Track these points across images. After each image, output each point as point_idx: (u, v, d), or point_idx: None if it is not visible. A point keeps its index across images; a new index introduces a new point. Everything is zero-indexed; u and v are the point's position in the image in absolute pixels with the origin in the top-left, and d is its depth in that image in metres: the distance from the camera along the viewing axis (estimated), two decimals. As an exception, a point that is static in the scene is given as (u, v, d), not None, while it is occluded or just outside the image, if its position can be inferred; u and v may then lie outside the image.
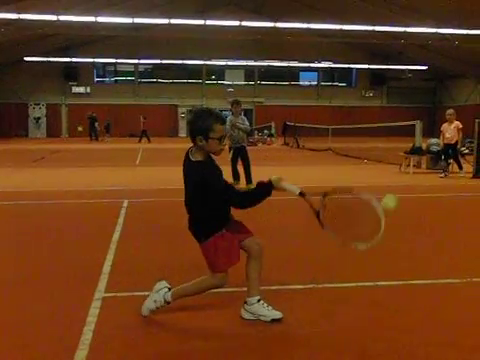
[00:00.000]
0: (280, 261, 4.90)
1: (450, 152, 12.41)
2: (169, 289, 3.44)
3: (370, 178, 12.44)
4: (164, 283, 3.50)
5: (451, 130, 12.20)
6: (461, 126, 12.12)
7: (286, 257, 5.08)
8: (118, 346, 3.06)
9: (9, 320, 3.49)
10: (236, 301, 3.60)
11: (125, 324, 3.38)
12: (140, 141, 30.93)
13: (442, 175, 12.15)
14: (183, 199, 3.38)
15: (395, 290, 4.12)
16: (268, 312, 3.42)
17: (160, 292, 3.43)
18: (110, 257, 4.94)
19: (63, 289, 4.09)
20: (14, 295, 4.00)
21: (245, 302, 3.47)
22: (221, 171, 3.37)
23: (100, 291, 3.97)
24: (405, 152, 13.81)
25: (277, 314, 3.42)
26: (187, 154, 3.36)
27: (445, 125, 12.39)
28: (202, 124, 3.22)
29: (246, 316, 3.45)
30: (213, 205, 3.29)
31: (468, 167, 12.66)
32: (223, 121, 3.29)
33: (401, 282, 4.24)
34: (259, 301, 3.44)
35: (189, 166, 3.31)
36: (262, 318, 3.41)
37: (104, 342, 3.10)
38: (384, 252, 5.29)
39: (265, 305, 3.44)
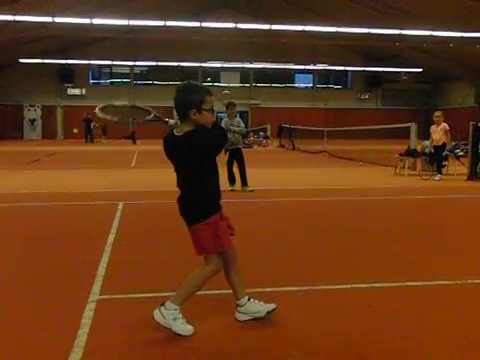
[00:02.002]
0: (276, 263, 4.90)
1: (437, 154, 12.44)
2: (162, 304, 3.25)
3: (365, 180, 12.47)
4: (156, 313, 3.23)
5: (438, 132, 12.24)
6: (448, 128, 12.15)
7: (282, 259, 5.07)
8: (112, 349, 3.04)
9: (2, 322, 3.47)
10: (229, 303, 3.59)
11: (120, 327, 3.36)
12: (134, 143, 31.14)
13: (437, 178, 12.18)
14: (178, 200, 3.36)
15: (391, 292, 4.11)
16: (261, 307, 3.43)
17: (167, 316, 3.17)
18: (105, 259, 4.92)
19: (57, 291, 4.07)
20: (8, 297, 3.98)
21: (237, 305, 3.45)
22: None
23: (95, 293, 3.95)
24: (400, 154, 13.84)
25: (270, 306, 3.44)
26: (171, 136, 3.27)
27: (433, 127, 12.45)
28: (194, 97, 3.19)
29: (242, 317, 3.43)
30: (210, 179, 3.25)
31: (463, 169, 12.71)
32: (211, 93, 3.28)
33: (397, 284, 4.24)
34: (250, 299, 3.44)
35: (180, 142, 3.19)
36: (257, 315, 3.41)
37: (98, 345, 3.08)
38: (379, 254, 5.30)
39: (256, 301, 3.45)
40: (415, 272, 4.61)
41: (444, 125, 12.19)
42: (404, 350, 3.03)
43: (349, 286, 4.17)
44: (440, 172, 12.30)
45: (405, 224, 6.93)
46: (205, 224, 3.21)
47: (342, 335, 3.23)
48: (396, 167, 13.68)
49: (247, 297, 3.45)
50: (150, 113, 3.50)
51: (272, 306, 3.44)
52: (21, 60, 35.83)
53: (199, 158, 3.19)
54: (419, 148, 13.95)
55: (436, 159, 12.55)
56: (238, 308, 3.45)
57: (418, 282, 4.29)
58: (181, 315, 3.24)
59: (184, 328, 3.21)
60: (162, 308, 3.23)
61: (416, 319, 3.51)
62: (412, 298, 3.96)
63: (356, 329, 3.33)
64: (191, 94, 3.22)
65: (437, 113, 12.60)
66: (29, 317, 3.54)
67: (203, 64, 39.81)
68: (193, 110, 3.17)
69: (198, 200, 3.24)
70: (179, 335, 3.18)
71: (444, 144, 12.26)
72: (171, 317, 3.20)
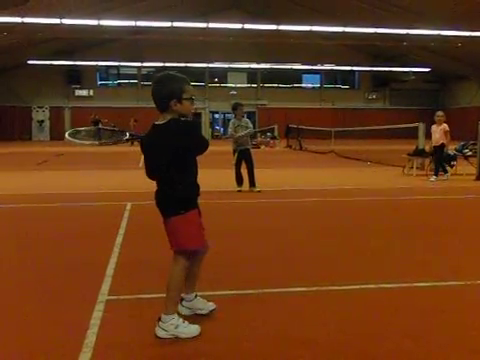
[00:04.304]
0: (283, 264, 4.90)
1: (437, 154, 12.33)
2: (159, 320, 3.20)
3: (373, 180, 12.43)
4: (157, 330, 3.18)
5: (438, 132, 12.12)
6: (448, 129, 11.98)
7: (289, 260, 5.07)
8: (122, 349, 3.05)
9: (12, 323, 3.49)
10: (234, 304, 3.60)
11: (128, 327, 3.37)
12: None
13: (444, 177, 12.10)
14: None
15: (399, 292, 4.10)
16: (205, 305, 3.47)
17: (168, 328, 3.15)
18: (113, 260, 4.94)
19: (66, 292, 4.09)
20: (17, 297, 4.00)
21: (182, 299, 3.44)
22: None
23: (103, 294, 3.97)
24: (408, 154, 13.79)
25: (212, 305, 3.47)
26: (153, 128, 3.23)
27: (434, 127, 12.28)
28: (174, 87, 3.18)
29: (184, 312, 3.42)
30: (192, 170, 3.25)
31: (472, 169, 12.64)
32: (189, 82, 3.28)
33: (405, 284, 4.23)
34: (196, 296, 3.47)
35: (165, 128, 3.15)
36: (199, 312, 3.45)
37: (107, 345, 3.10)
38: (387, 254, 5.28)
39: (201, 299, 3.49)
40: (423, 273, 4.59)
41: (444, 126, 12.05)
42: (411, 351, 3.01)
43: (357, 287, 4.17)
44: (437, 173, 12.09)
45: (413, 224, 6.91)
46: (184, 217, 3.19)
47: (349, 336, 3.22)
48: (404, 167, 13.64)
49: (195, 294, 3.47)
50: (123, 133, 3.60)
51: (213, 306, 3.47)
52: (29, 62, 36.04)
53: (182, 146, 3.12)
54: (427, 148, 13.88)
55: (435, 160, 12.43)
56: (183, 302, 3.44)
57: (426, 283, 4.27)
58: (181, 319, 3.21)
59: (189, 330, 3.18)
60: (160, 323, 3.18)
61: (424, 320, 3.49)
62: (420, 299, 3.94)
63: (363, 330, 3.32)
64: (171, 84, 3.20)
65: (439, 113, 12.48)
66: (38, 317, 3.57)
67: (210, 65, 39.85)
68: (174, 100, 3.15)
69: (179, 192, 3.20)
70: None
71: (443, 145, 12.11)
72: (172, 327, 3.16)
